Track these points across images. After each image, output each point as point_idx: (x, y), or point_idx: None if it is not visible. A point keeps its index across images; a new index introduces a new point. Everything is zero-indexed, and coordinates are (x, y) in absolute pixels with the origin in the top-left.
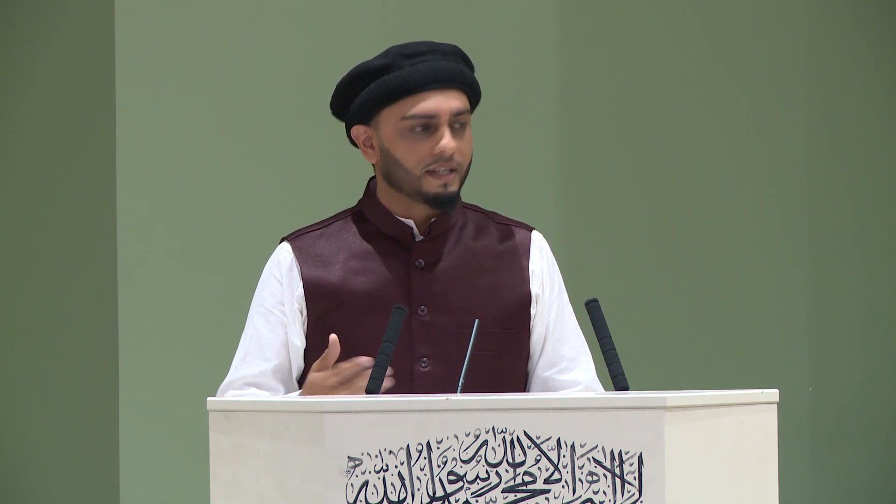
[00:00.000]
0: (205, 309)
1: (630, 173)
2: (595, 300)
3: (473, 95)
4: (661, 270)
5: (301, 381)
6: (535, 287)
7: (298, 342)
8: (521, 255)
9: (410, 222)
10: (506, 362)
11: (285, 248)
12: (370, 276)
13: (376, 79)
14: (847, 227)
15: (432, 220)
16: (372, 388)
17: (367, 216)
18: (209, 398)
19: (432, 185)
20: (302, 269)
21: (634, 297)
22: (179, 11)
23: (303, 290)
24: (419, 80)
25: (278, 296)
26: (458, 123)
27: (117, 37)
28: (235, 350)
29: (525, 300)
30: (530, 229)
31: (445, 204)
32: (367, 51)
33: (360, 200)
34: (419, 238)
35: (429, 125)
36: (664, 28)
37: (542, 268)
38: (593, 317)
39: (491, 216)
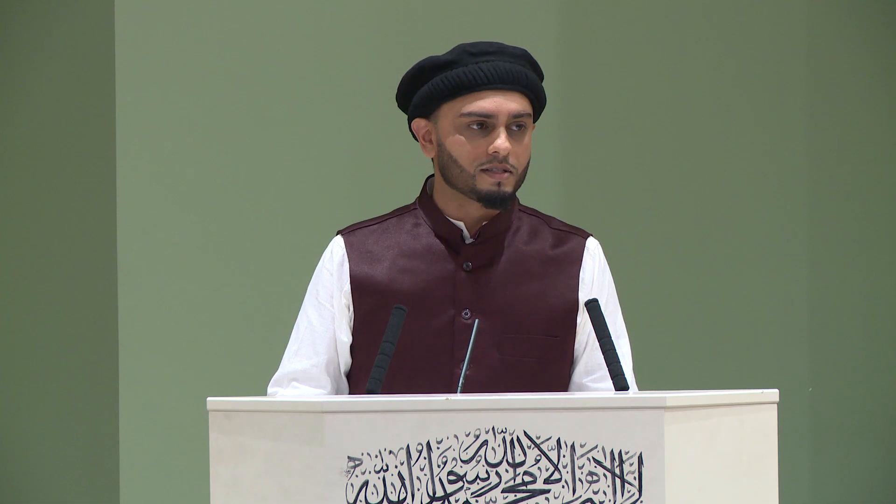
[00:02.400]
0: (205, 309)
1: (629, 174)
2: (595, 300)
3: (537, 101)
4: (661, 270)
5: (349, 376)
6: (583, 295)
7: (345, 337)
8: (572, 262)
9: (461, 224)
10: (549, 369)
11: (338, 241)
12: (416, 276)
13: (440, 73)
14: (847, 227)
15: (483, 223)
16: (372, 388)
17: (420, 215)
18: (209, 398)
19: (486, 183)
20: (351, 265)
21: (634, 297)
22: (179, 11)
23: (350, 286)
24: (481, 79)
25: (330, 289)
26: (516, 126)
27: (117, 37)
28: (236, 350)
29: (571, 308)
30: (586, 236)
31: (498, 203)
32: (368, 50)
33: (417, 198)
34: (469, 241)
35: (485, 124)
36: (664, 26)
37: (593, 276)
38: (593, 317)
39: (547, 221)
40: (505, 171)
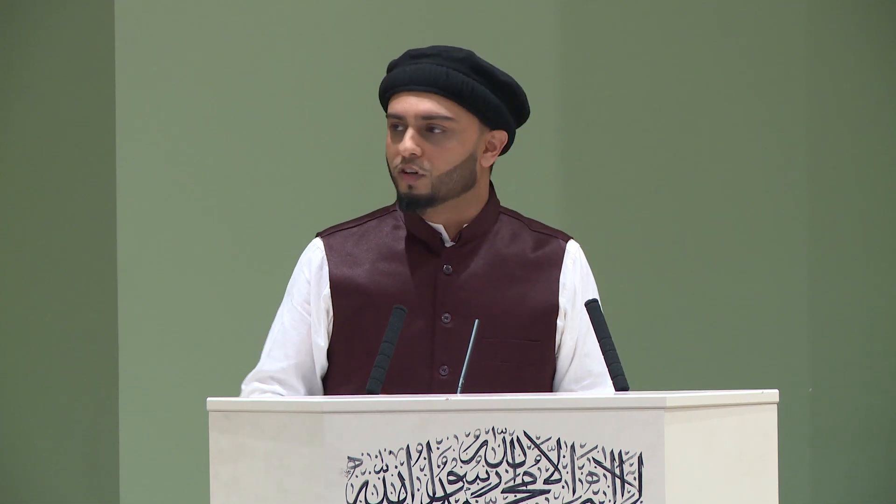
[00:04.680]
0: (205, 309)
1: (630, 173)
2: (595, 300)
3: (465, 103)
4: (662, 270)
5: (325, 380)
6: (563, 299)
7: (322, 342)
8: (553, 266)
9: (440, 227)
10: (528, 373)
11: (318, 244)
12: (397, 279)
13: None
14: (847, 227)
15: (463, 225)
16: (372, 388)
17: (400, 218)
18: (209, 398)
19: (402, 186)
20: (330, 268)
21: (634, 297)
22: (179, 11)
23: (329, 289)
24: (397, 81)
25: (305, 294)
26: (434, 128)
27: (117, 37)
28: (235, 350)
29: (551, 311)
30: (567, 239)
31: (413, 206)
32: (367, 49)
33: (396, 200)
34: (449, 244)
35: (398, 125)
36: (663, 27)
37: (575, 280)
38: (593, 317)
39: (528, 223)
40: (414, 172)
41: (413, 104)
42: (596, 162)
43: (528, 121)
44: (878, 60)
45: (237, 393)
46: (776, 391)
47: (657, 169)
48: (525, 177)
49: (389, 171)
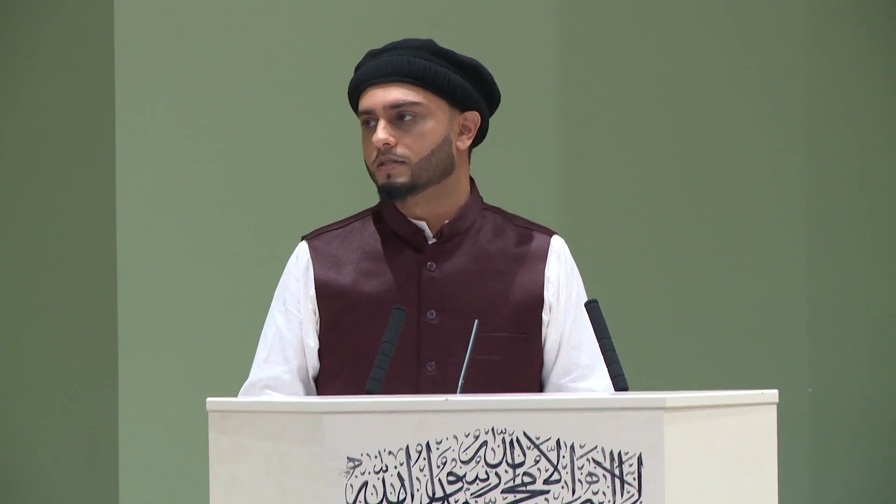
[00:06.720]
0: (205, 308)
1: (629, 173)
2: (594, 301)
3: (432, 86)
4: (661, 270)
5: (316, 381)
6: (549, 294)
7: (312, 342)
8: (537, 260)
9: (423, 224)
10: (515, 367)
11: (303, 247)
12: (380, 278)
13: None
14: (847, 227)
15: (445, 222)
16: (371, 389)
17: (383, 216)
18: (209, 398)
19: (381, 177)
20: (316, 270)
21: (634, 298)
22: (179, 11)
23: (315, 291)
24: (362, 77)
25: (296, 294)
26: (404, 115)
27: (117, 37)
28: (235, 350)
29: (537, 305)
30: (550, 234)
31: (396, 194)
32: (367, 48)
33: (380, 201)
34: (432, 241)
35: (370, 121)
36: (663, 29)
37: (560, 274)
38: (593, 317)
39: (511, 219)
40: (392, 162)
41: (380, 96)
42: (595, 162)
43: (527, 120)
44: (878, 60)
45: (237, 393)
46: (776, 391)
47: (657, 169)
48: (525, 175)
49: (368, 170)
